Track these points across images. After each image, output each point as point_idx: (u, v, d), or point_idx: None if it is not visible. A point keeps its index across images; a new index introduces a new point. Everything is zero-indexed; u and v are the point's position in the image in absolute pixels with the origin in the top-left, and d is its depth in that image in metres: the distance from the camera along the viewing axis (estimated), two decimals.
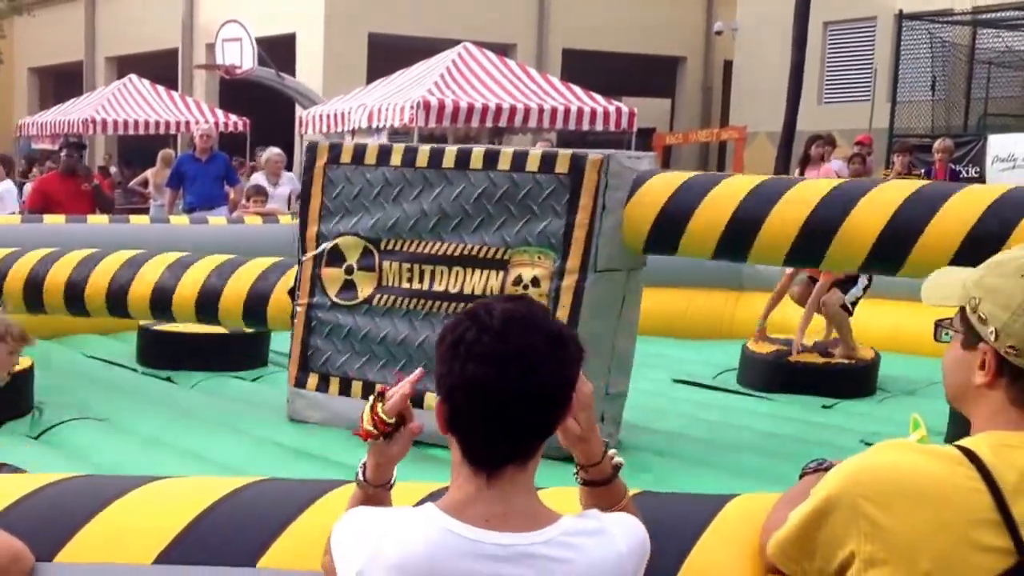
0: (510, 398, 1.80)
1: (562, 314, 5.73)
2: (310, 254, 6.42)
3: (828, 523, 1.91)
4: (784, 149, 17.46)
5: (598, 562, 1.84)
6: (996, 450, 1.85)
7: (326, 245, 6.36)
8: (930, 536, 1.81)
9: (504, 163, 5.86)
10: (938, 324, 2.03)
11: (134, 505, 2.42)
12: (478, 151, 6.06)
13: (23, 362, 6.55)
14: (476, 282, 6.04)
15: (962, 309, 1.96)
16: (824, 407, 7.29)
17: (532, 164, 5.81)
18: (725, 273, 9.78)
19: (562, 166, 5.71)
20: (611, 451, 2.08)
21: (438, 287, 6.02)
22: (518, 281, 5.90)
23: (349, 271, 6.31)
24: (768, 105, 19.94)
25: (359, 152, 6.33)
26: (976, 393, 1.94)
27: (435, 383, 1.88)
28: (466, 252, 5.99)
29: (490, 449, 1.85)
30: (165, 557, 2.30)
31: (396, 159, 6.17)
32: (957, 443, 1.88)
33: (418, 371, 2.05)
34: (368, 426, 1.99)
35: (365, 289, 6.27)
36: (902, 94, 18.63)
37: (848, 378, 7.68)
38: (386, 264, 6.17)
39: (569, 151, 5.86)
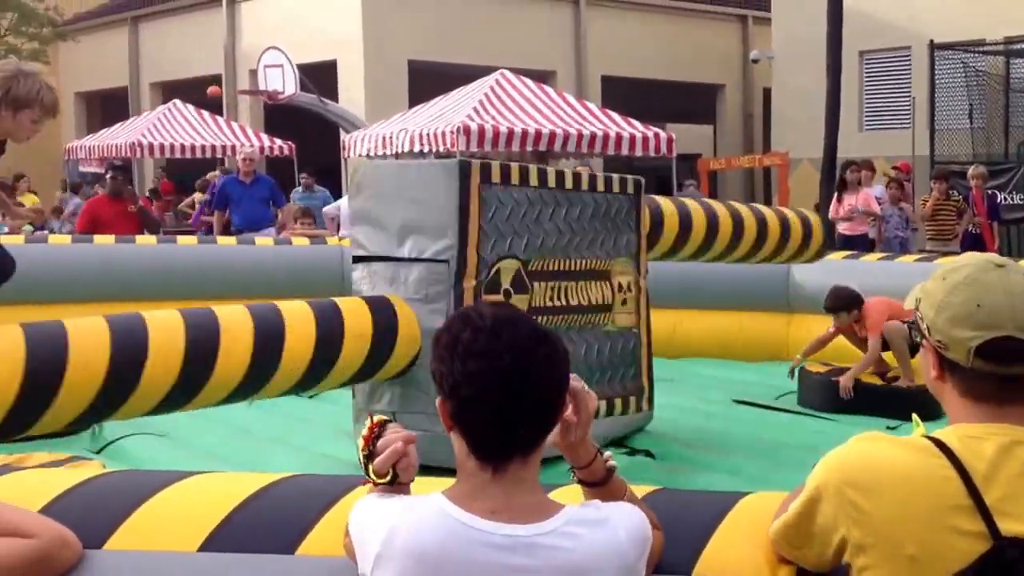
0: (507, 389, 1.92)
1: (644, 311, 6.74)
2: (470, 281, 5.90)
3: (820, 510, 2.02)
4: (827, 175, 17.48)
5: (599, 550, 1.94)
6: (963, 441, 1.96)
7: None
8: (909, 521, 1.92)
9: (600, 185, 6.49)
10: (909, 327, 2.19)
11: (178, 496, 2.51)
12: (579, 173, 6.59)
13: None
14: (595, 293, 6.47)
15: (915, 312, 2.11)
16: (888, 428, 7.12)
17: (615, 186, 6.53)
18: (772, 295, 10.05)
19: (630, 188, 6.55)
20: (606, 454, 2.18)
21: (572, 301, 6.29)
22: (620, 288, 6.59)
23: (507, 295, 6.10)
24: (809, 132, 19.98)
25: (506, 172, 6.09)
26: (937, 388, 2.08)
27: (435, 383, 2.00)
28: (586, 266, 6.39)
29: (494, 441, 1.96)
30: (209, 545, 2.36)
31: (533, 179, 6.19)
32: (928, 435, 2.00)
33: (412, 433, 2.13)
34: (368, 477, 2.11)
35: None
36: (940, 122, 18.50)
37: (911, 400, 7.40)
38: (536, 285, 6.16)
39: (632, 176, 6.65)
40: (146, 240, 10.63)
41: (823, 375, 7.97)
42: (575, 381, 2.07)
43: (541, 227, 6.17)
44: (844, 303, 7.92)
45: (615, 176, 6.65)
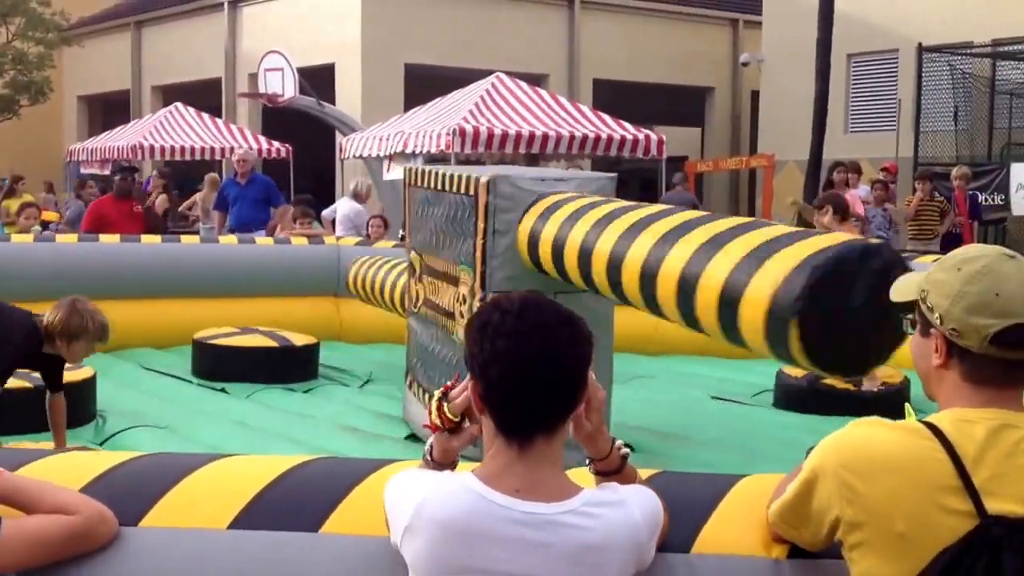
0: (531, 368, 2.03)
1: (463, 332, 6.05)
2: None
3: (816, 492, 2.10)
4: (812, 177, 17.58)
5: (615, 529, 2.05)
6: (956, 424, 2.04)
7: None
8: (902, 500, 1.99)
9: (461, 186, 6.06)
10: (902, 318, 2.24)
11: (209, 477, 2.59)
12: (445, 173, 6.33)
13: (86, 372, 7.05)
14: (447, 297, 6.33)
15: (917, 302, 2.16)
16: None
17: (462, 186, 6.00)
18: None
19: (470, 188, 5.85)
20: (618, 443, 2.26)
21: (439, 301, 6.40)
22: (459, 298, 6.08)
23: (418, 281, 6.89)
24: (795, 134, 20.08)
25: (419, 173, 6.81)
26: (936, 375, 2.14)
27: (467, 364, 2.12)
28: (443, 268, 6.34)
29: (519, 419, 2.07)
30: (238, 523, 2.43)
31: (428, 181, 6.56)
32: (922, 419, 2.10)
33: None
34: (436, 420, 2.21)
35: (419, 299, 6.77)
36: (926, 124, 18.77)
37: (880, 402, 7.53)
38: (425, 278, 6.59)
39: (468, 172, 6.05)
40: (151, 239, 10.86)
41: (799, 379, 8.11)
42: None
43: (427, 224, 6.51)
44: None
45: (463, 174, 6.10)
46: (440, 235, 6.31)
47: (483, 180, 5.70)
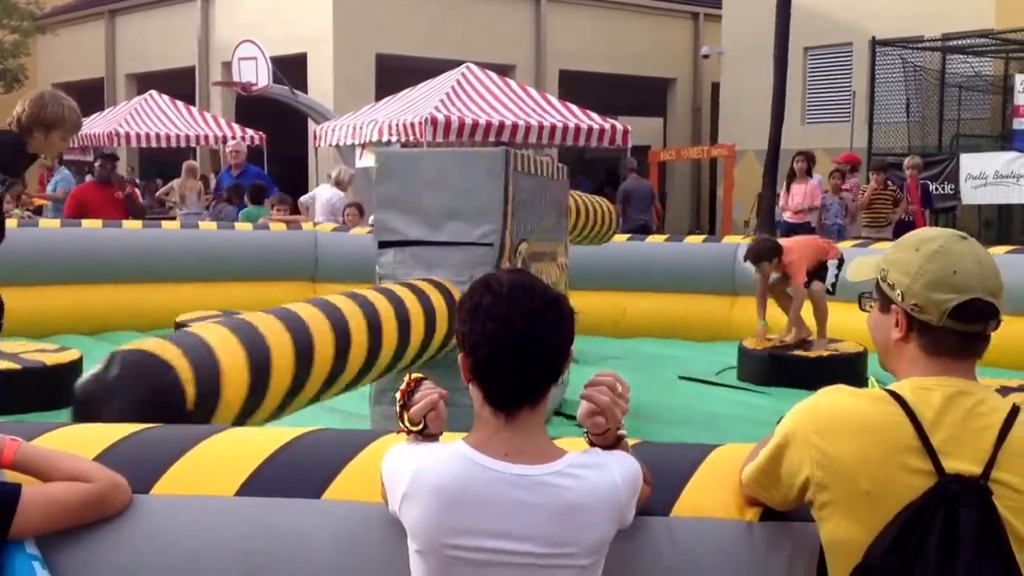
0: (519, 348, 2.17)
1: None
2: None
3: (787, 455, 2.22)
4: (770, 166, 17.69)
5: (596, 489, 2.18)
6: (915, 392, 2.17)
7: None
8: (866, 461, 2.12)
9: (545, 170, 6.72)
10: (860, 296, 2.37)
11: (217, 447, 2.66)
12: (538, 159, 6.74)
13: (72, 355, 7.20)
14: (553, 274, 6.97)
15: (877, 280, 2.29)
16: None
17: (552, 170, 6.88)
18: (718, 280, 10.54)
19: (563, 173, 6.80)
20: (621, 431, 2.35)
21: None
22: (563, 267, 6.95)
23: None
24: (754, 125, 20.18)
25: (521, 159, 6.32)
26: (896, 348, 2.28)
27: (458, 342, 2.25)
28: (549, 248, 6.81)
29: (506, 392, 2.20)
30: (244, 490, 2.50)
31: (532, 166, 6.45)
32: (885, 387, 2.22)
33: (443, 391, 2.33)
34: (401, 426, 2.33)
35: None
36: (879, 116, 19.19)
37: (837, 369, 7.93)
38: (533, 264, 6.52)
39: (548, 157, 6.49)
40: (132, 225, 11.04)
41: (760, 351, 8.54)
42: (608, 378, 2.32)
43: (535, 211, 6.49)
44: (764, 253, 8.50)
45: (536, 156, 6.67)
46: (544, 218, 6.61)
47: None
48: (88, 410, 3.56)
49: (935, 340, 2.22)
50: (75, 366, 7.08)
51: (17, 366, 6.85)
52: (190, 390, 3.70)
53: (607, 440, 2.30)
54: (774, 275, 8.71)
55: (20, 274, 8.37)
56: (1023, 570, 2.09)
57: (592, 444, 2.31)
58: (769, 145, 18.08)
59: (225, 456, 2.63)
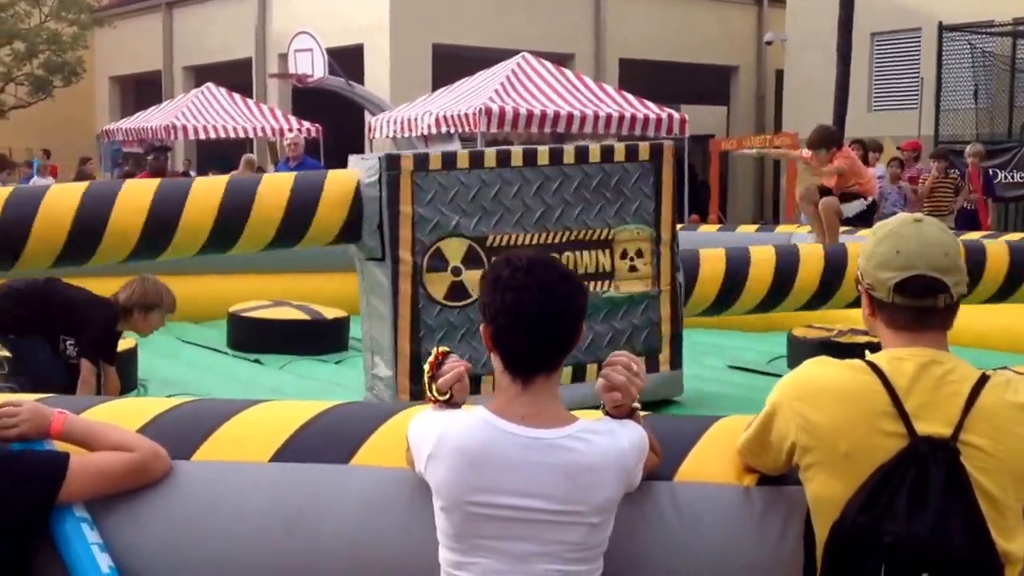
0: (535, 317, 2.35)
1: (666, 276, 6.83)
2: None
3: (775, 423, 2.43)
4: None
5: (606, 453, 2.37)
6: (890, 362, 2.36)
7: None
8: (845, 425, 2.31)
9: (595, 156, 6.68)
10: (857, 280, 2.55)
11: (252, 418, 2.90)
12: (569, 148, 6.69)
13: (128, 343, 7.36)
14: (587, 261, 6.73)
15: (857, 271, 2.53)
16: None
17: (619, 155, 6.76)
18: None
19: (643, 154, 6.75)
20: (636, 405, 2.52)
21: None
22: (626, 255, 6.78)
23: (456, 272, 6.37)
24: (818, 113, 19.81)
25: (449, 159, 6.43)
26: (871, 324, 2.49)
27: (480, 312, 2.44)
28: (570, 237, 6.63)
29: (523, 359, 2.39)
30: (278, 456, 2.74)
31: (490, 161, 6.48)
32: (864, 359, 2.41)
33: (468, 364, 2.55)
34: (429, 395, 2.52)
35: (477, 287, 6.67)
36: (946, 102, 18.95)
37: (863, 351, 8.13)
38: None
39: (649, 142, 6.87)
40: None
41: (811, 339, 8.42)
42: (623, 358, 2.48)
43: (501, 205, 6.42)
44: (825, 141, 9.18)
45: (618, 145, 6.75)
46: (551, 209, 6.56)
47: (668, 145, 6.71)
48: None
49: (891, 315, 2.41)
50: (131, 356, 7.42)
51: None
52: None
53: (622, 412, 2.48)
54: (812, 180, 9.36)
55: (76, 268, 8.68)
56: (989, 523, 2.24)
57: (607, 415, 2.49)
58: None
59: (260, 426, 2.86)
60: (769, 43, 25.82)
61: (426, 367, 2.55)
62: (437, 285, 6.36)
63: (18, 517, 2.51)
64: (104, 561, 2.55)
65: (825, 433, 2.33)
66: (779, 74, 26.41)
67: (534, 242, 6.54)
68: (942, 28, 18.70)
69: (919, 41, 21.78)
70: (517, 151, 6.65)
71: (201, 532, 2.66)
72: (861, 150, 14.01)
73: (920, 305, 2.38)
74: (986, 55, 19.10)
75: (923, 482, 2.24)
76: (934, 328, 2.41)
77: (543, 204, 6.58)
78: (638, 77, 24.47)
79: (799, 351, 8.47)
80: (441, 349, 2.57)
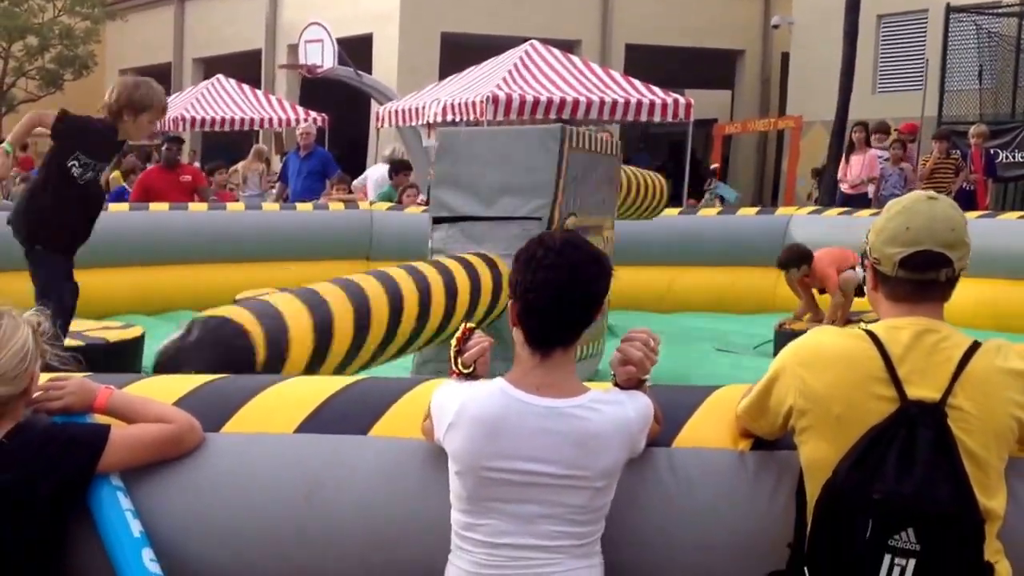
0: (561, 295, 2.51)
1: None
2: None
3: (776, 387, 2.57)
4: (836, 138, 17.38)
5: (612, 420, 2.53)
6: (887, 330, 2.51)
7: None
8: (839, 388, 2.46)
9: (594, 145, 6.75)
10: (862, 256, 2.68)
11: (278, 393, 3.07)
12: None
13: (135, 331, 7.48)
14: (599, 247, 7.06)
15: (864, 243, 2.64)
16: None
17: (600, 145, 6.90)
18: (769, 252, 10.42)
19: (613, 148, 6.87)
20: (645, 377, 2.67)
21: None
22: (607, 241, 7.08)
23: None
24: (823, 95, 20.04)
25: (572, 135, 6.53)
26: (873, 297, 2.64)
27: (510, 289, 2.59)
28: (596, 223, 6.85)
29: (544, 333, 2.55)
30: (302, 428, 2.91)
31: (585, 143, 6.66)
32: (862, 327, 2.55)
33: (491, 340, 2.72)
34: (453, 368, 2.69)
35: None
36: (951, 84, 18.95)
37: None
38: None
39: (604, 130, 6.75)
40: (198, 207, 11.32)
41: (792, 331, 8.37)
42: (642, 335, 2.65)
43: (586, 186, 6.65)
44: (795, 260, 8.72)
45: (594, 132, 6.78)
46: (592, 194, 6.68)
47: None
48: (168, 371, 4.06)
49: (893, 288, 2.55)
50: (138, 343, 7.43)
51: (81, 343, 7.02)
52: (261, 353, 4.27)
53: (631, 384, 2.63)
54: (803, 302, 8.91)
55: (91, 257, 8.83)
56: (973, 482, 2.36)
57: (617, 386, 2.63)
58: (836, 116, 17.89)
59: (285, 400, 3.02)
60: (776, 27, 25.78)
61: (452, 342, 2.70)
62: None
63: (59, 484, 2.64)
64: (136, 527, 2.70)
65: (821, 397, 2.48)
66: (784, 57, 26.40)
67: (586, 224, 6.70)
68: (949, 9, 18.67)
69: (925, 22, 21.75)
70: (586, 132, 6.86)
71: (227, 500, 2.82)
72: (863, 132, 14.07)
73: (922, 279, 2.51)
74: (992, 36, 19.08)
75: (911, 443, 2.37)
76: (933, 300, 2.54)
77: (592, 189, 6.84)
78: (644, 62, 24.51)
79: (785, 337, 8.45)
80: (468, 325, 2.74)
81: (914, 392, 2.42)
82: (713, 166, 21.34)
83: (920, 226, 2.50)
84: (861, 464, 2.39)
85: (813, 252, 8.74)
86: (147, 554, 2.67)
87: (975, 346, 2.48)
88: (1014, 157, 16.79)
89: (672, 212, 10.89)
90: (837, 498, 2.41)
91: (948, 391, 2.41)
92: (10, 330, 2.64)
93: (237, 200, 13.57)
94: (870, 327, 2.54)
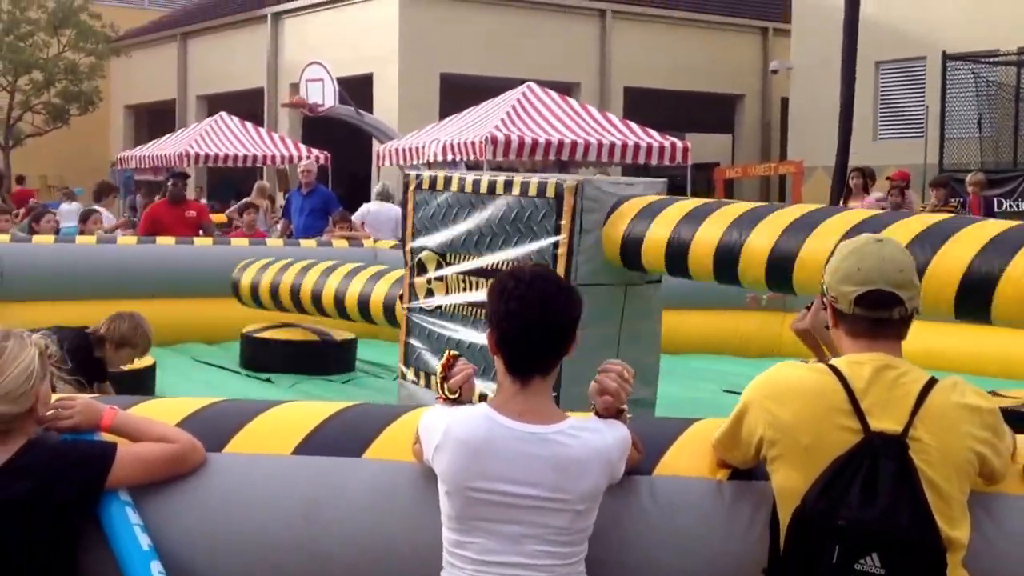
0: (534, 324, 2.63)
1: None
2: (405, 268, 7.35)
3: (746, 420, 2.68)
4: (837, 184, 17.38)
5: (591, 446, 2.64)
6: (849, 365, 2.61)
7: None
8: (807, 420, 2.57)
9: (515, 189, 6.55)
10: (821, 294, 2.78)
11: (276, 417, 3.21)
12: (502, 179, 6.72)
13: (147, 361, 7.54)
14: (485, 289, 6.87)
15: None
16: None
17: (532, 190, 6.46)
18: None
19: (551, 191, 6.32)
20: (623, 407, 2.78)
21: (479, 297, 6.63)
22: None
23: (429, 281, 7.14)
24: (824, 141, 20.00)
25: (432, 179, 7.17)
26: (835, 334, 2.75)
27: (487, 319, 2.71)
28: (492, 266, 6.67)
29: (522, 362, 2.67)
30: (299, 450, 3.04)
31: (454, 185, 6.96)
32: (826, 363, 2.67)
33: (475, 367, 2.85)
34: (440, 394, 2.80)
35: (439, 296, 7.03)
36: (951, 131, 18.97)
37: None
38: (450, 275, 6.96)
39: (554, 179, 6.42)
40: (203, 242, 11.43)
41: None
42: (617, 367, 2.76)
43: (456, 226, 6.86)
44: None
45: (535, 179, 6.54)
46: (486, 236, 6.69)
47: (569, 184, 6.24)
48: None
49: (851, 325, 2.66)
50: (149, 372, 7.68)
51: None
52: None
53: (610, 413, 2.74)
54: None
55: (99, 289, 9.43)
56: (935, 512, 2.48)
57: (597, 415, 2.74)
58: (836, 163, 17.89)
59: (283, 423, 3.16)
60: (775, 72, 25.94)
61: (438, 369, 2.83)
62: (420, 289, 7.23)
63: (69, 498, 2.76)
64: (144, 540, 2.83)
65: (789, 427, 2.59)
66: (784, 102, 26.55)
67: (471, 264, 6.78)
68: (946, 57, 18.74)
69: (924, 70, 21.88)
70: (469, 177, 6.93)
71: (230, 517, 2.96)
72: (861, 179, 14.12)
73: (877, 316, 2.63)
74: (990, 84, 19.13)
75: (875, 473, 2.48)
76: (889, 337, 2.65)
77: (479, 230, 6.76)
78: (643, 105, 24.66)
79: None
80: (452, 353, 2.87)
81: (876, 424, 2.53)
82: None
83: (871, 267, 2.62)
84: (827, 492, 2.50)
85: None
86: (155, 566, 2.81)
87: (932, 382, 2.59)
88: (1017, 206, 16.75)
89: None
90: (806, 524, 2.52)
91: (909, 424, 2.52)
92: (16, 350, 2.75)
93: (268, 238, 13.64)
94: (832, 362, 2.65)
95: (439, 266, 7.07)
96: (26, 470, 2.75)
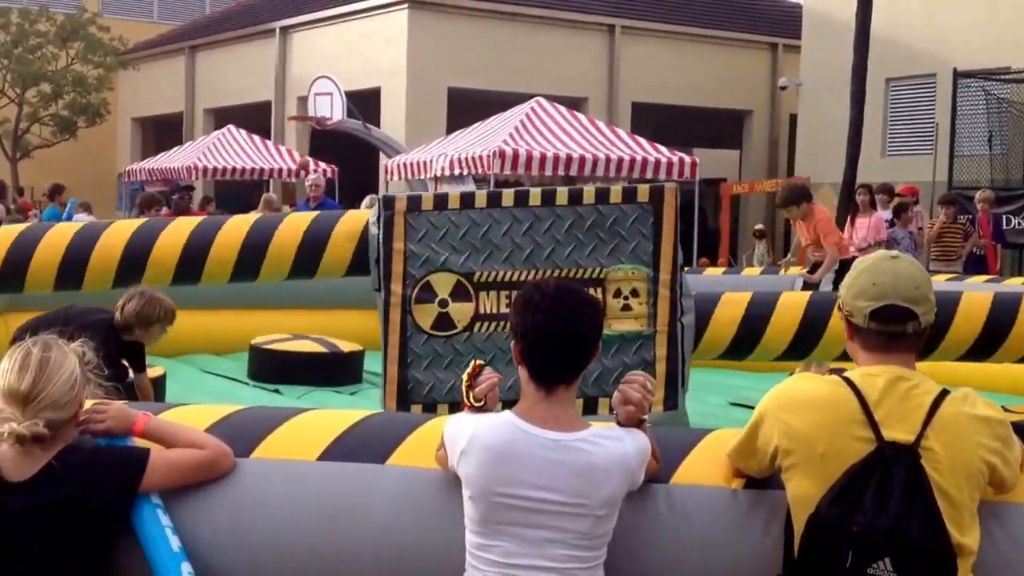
0: (559, 336, 2.73)
1: (666, 317, 6.67)
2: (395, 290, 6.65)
3: (761, 431, 2.77)
4: (845, 201, 17.47)
5: (612, 454, 2.73)
6: (863, 377, 2.71)
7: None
8: (822, 430, 2.65)
9: (588, 198, 6.66)
10: (837, 309, 2.90)
11: (302, 423, 3.31)
12: (563, 190, 6.78)
13: (156, 371, 7.66)
14: None
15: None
16: None
17: (615, 197, 6.67)
18: None
19: (641, 196, 6.60)
20: (644, 417, 2.86)
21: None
22: (619, 293, 6.78)
23: (443, 304, 6.67)
24: (832, 157, 20.03)
25: (440, 200, 6.83)
26: (850, 348, 2.85)
27: (512, 331, 2.81)
28: (562, 275, 6.61)
29: (547, 372, 2.75)
30: (324, 456, 3.14)
31: (481, 202, 6.74)
32: (840, 375, 2.75)
33: (500, 376, 2.96)
34: (466, 401, 2.90)
35: (463, 319, 6.67)
36: (961, 149, 18.88)
37: None
38: (483, 294, 6.69)
39: (650, 184, 6.79)
40: None
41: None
42: (640, 378, 2.84)
43: (490, 243, 6.66)
44: (794, 198, 9.02)
45: (615, 187, 6.74)
46: (537, 247, 6.67)
47: (670, 187, 6.62)
48: None
49: (865, 338, 2.76)
50: (159, 382, 7.67)
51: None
52: None
53: (631, 423, 2.83)
54: (805, 241, 9.11)
55: (108, 302, 9.07)
56: (946, 519, 2.56)
57: (619, 424, 2.83)
58: (844, 180, 17.85)
59: (309, 430, 3.26)
60: (784, 88, 25.88)
61: (464, 377, 2.93)
62: (424, 315, 6.67)
63: (105, 500, 2.87)
64: (175, 542, 2.92)
65: (804, 437, 2.67)
66: (792, 118, 26.49)
67: (521, 278, 6.67)
68: (957, 74, 18.69)
69: (934, 87, 21.76)
70: (509, 193, 6.83)
71: (257, 520, 3.06)
72: (868, 195, 14.05)
73: (891, 330, 2.72)
74: (1001, 101, 19.02)
75: (887, 481, 2.57)
76: (903, 350, 2.74)
77: (532, 243, 6.70)
78: (651, 121, 24.61)
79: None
80: (477, 362, 2.97)
81: (889, 434, 2.61)
82: (758, 226, 21.29)
83: (885, 282, 2.72)
84: (841, 499, 2.59)
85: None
86: (186, 568, 2.90)
87: (944, 393, 2.68)
88: None
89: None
90: (820, 530, 2.62)
91: (921, 434, 2.61)
92: (59, 359, 2.86)
93: None
94: (846, 374, 2.74)
95: (459, 286, 6.71)
96: (67, 473, 2.84)
